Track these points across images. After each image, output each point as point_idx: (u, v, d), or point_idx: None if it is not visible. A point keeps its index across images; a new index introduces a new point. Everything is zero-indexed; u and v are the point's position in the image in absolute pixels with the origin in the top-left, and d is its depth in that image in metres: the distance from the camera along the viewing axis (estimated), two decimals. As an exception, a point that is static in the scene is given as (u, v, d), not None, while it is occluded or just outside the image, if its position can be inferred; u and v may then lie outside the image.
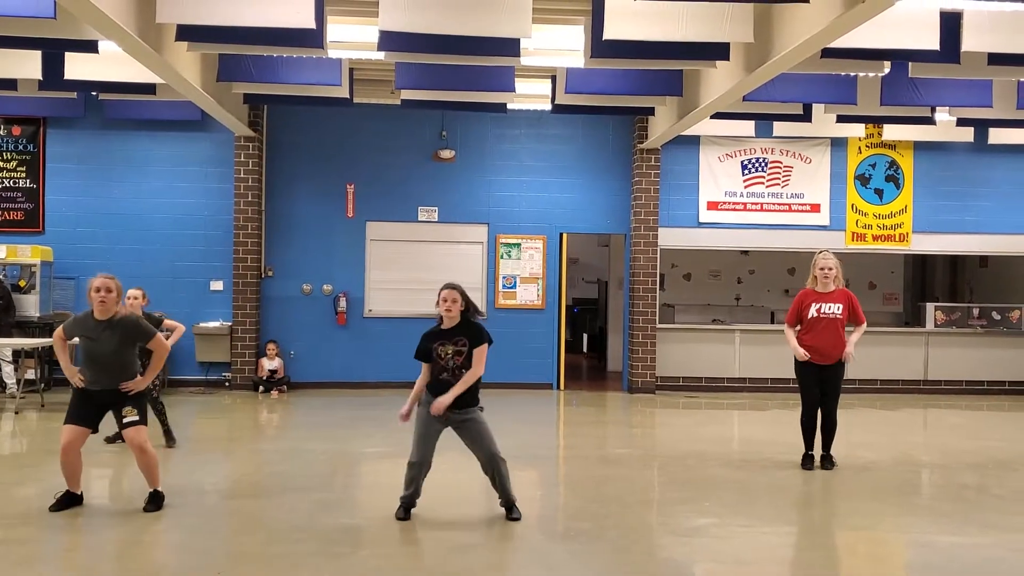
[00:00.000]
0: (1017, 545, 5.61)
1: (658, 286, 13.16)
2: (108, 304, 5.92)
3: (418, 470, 5.86)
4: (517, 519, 5.90)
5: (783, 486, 7.16)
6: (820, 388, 7.67)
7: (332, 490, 6.89)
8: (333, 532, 5.61)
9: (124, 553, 5.15)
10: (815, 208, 13.29)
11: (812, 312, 7.60)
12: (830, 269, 7.64)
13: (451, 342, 5.76)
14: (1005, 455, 8.61)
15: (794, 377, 7.82)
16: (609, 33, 7.65)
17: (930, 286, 17.22)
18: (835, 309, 7.60)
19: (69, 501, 6.01)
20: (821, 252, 7.81)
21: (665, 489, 7.29)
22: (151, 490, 6.08)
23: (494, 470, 5.88)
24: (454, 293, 5.77)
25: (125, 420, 6.01)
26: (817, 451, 7.80)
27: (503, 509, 6.00)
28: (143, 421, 6.07)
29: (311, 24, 7.46)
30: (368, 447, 8.69)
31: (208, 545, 5.42)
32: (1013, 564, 5.27)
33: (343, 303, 12.80)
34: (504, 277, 13.04)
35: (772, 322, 13.96)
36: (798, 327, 7.73)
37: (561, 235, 13.28)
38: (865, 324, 7.73)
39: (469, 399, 5.80)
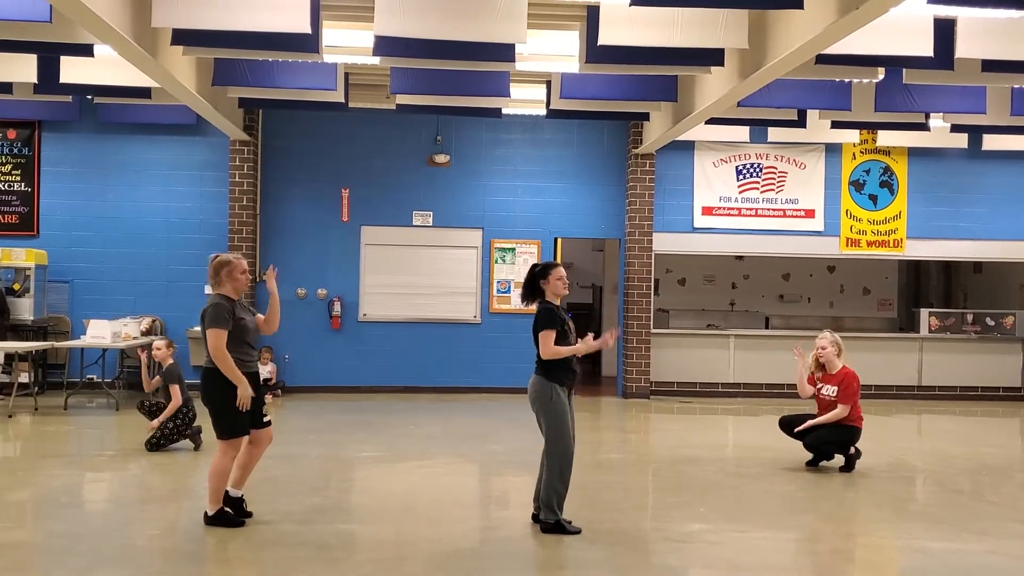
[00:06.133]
0: (1011, 551, 5.62)
1: (652, 291, 13.18)
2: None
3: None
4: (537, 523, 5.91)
5: (777, 492, 7.17)
6: None
7: (327, 495, 6.88)
8: (328, 537, 5.60)
9: (120, 556, 5.14)
10: (810, 214, 13.32)
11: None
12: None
13: (568, 317, 6.01)
14: (999, 461, 8.63)
15: (788, 383, 7.85)
16: (604, 38, 7.67)
17: (924, 292, 17.25)
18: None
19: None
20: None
21: (659, 494, 7.29)
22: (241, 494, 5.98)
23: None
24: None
25: (266, 418, 5.91)
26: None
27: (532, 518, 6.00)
28: None
29: (306, 29, 7.48)
30: (363, 452, 8.69)
31: (202, 550, 5.41)
32: (1007, 571, 5.28)
33: (338, 307, 12.78)
34: (499, 282, 13.03)
35: (767, 327, 13.97)
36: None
37: (556, 240, 13.28)
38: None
39: None
